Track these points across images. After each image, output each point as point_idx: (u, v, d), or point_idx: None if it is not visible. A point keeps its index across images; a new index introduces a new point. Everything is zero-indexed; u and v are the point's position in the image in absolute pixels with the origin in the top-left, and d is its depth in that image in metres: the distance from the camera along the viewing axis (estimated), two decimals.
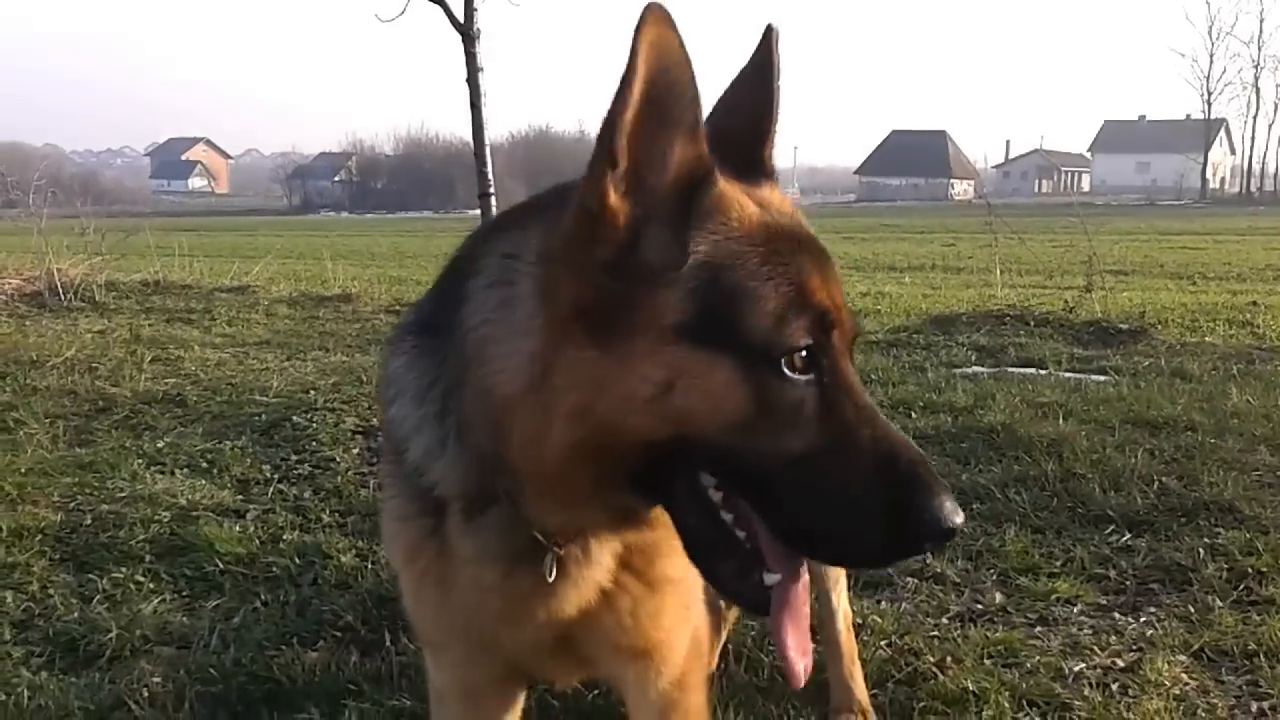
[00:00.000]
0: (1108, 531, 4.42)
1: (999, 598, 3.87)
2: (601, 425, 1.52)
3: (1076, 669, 3.30)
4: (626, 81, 1.46)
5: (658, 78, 1.47)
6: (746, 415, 1.50)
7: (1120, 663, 3.35)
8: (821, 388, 1.53)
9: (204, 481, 5.20)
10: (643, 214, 1.52)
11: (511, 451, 1.59)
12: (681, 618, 1.97)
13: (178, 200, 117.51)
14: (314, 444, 5.77)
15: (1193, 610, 3.70)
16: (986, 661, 3.34)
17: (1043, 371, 7.63)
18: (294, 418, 6.22)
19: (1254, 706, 3.08)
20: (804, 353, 1.52)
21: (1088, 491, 4.78)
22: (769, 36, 1.67)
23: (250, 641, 3.50)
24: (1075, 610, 3.76)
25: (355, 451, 5.68)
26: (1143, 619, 3.68)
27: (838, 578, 3.00)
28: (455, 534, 1.79)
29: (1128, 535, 4.38)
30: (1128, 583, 3.98)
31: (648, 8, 1.45)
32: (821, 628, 3.10)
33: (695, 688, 2.06)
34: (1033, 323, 9.85)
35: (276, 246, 24.74)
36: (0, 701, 3.11)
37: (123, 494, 4.96)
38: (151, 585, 4.01)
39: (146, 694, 3.13)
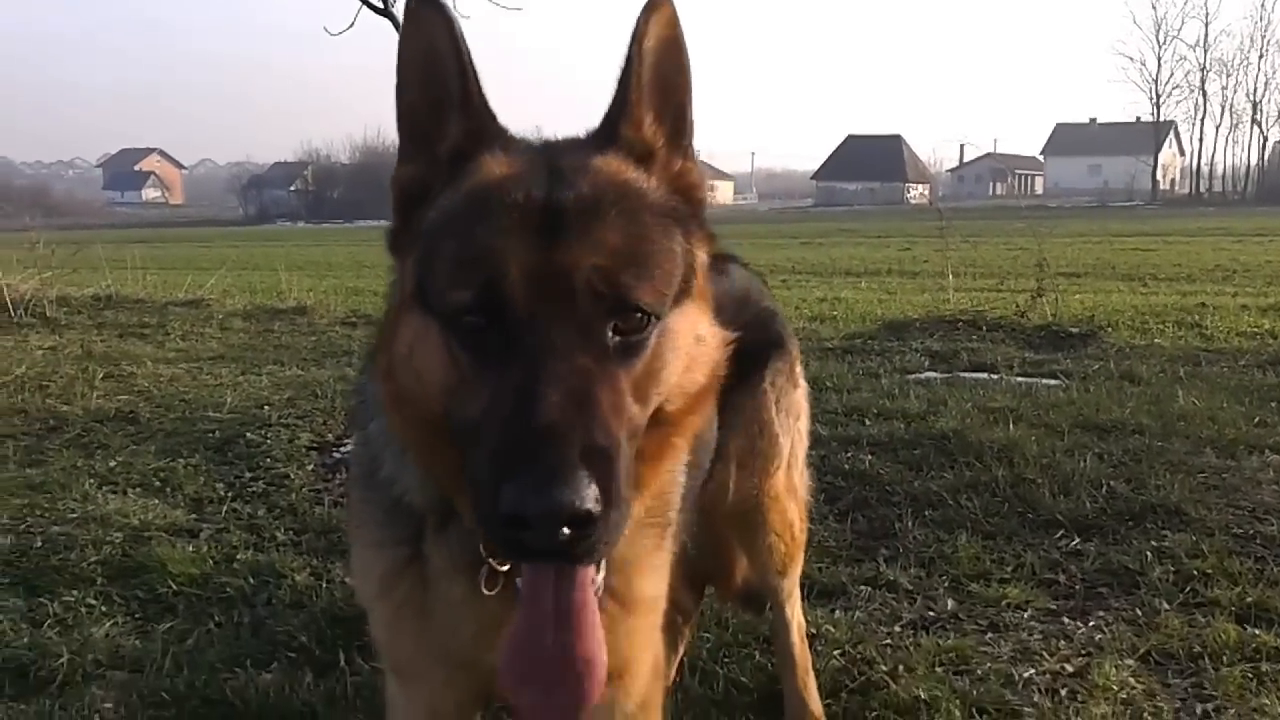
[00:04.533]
0: (1057, 536, 4.49)
1: (951, 604, 3.92)
2: (396, 386, 1.64)
3: (1026, 675, 3.35)
4: (396, 69, 1.65)
5: (419, 61, 1.65)
6: (450, 381, 1.52)
7: (1069, 668, 3.40)
8: (495, 353, 1.48)
9: (157, 501, 5.14)
10: (423, 188, 1.66)
11: None
12: (651, 639, 1.96)
13: (131, 212, 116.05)
14: (268, 461, 5.74)
15: (1140, 614, 3.77)
16: (938, 669, 3.38)
17: (994, 376, 7.72)
18: (248, 434, 6.18)
19: (1199, 709, 3.14)
20: (473, 316, 1.49)
21: (1038, 496, 4.85)
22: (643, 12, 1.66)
23: (203, 664, 3.47)
24: (1025, 616, 3.82)
25: (310, 468, 5.65)
26: (1091, 624, 3.74)
27: (790, 590, 3.03)
28: (431, 551, 1.80)
29: (1077, 540, 4.45)
30: (1077, 587, 4.05)
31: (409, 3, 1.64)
32: (775, 638, 3.14)
33: (655, 709, 2.06)
34: (985, 327, 9.96)
35: (231, 258, 24.59)
36: None
37: (74, 515, 4.90)
38: (103, 608, 3.96)
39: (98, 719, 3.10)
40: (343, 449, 5.83)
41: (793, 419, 2.84)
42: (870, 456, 5.53)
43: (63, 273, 14.15)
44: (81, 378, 8.25)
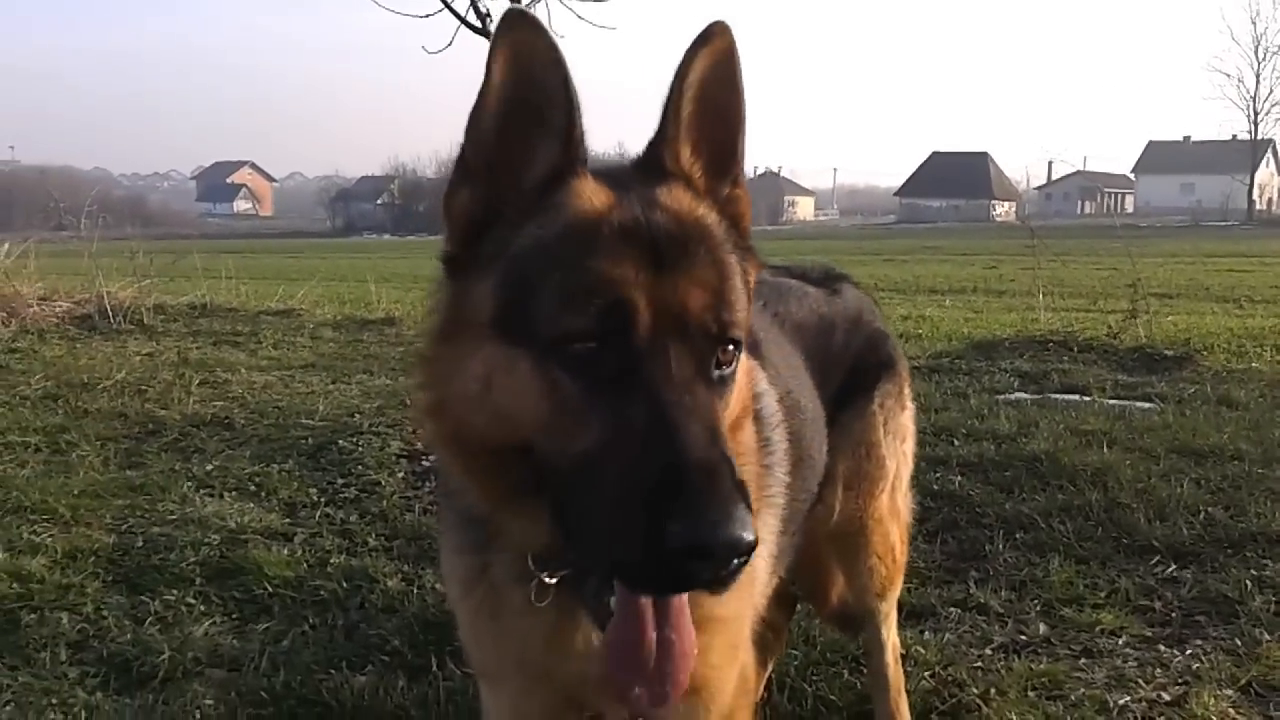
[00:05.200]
0: (1153, 562, 4.40)
1: (1043, 629, 3.86)
2: (454, 422, 1.62)
3: (1121, 702, 3.29)
4: (482, 92, 1.58)
5: (517, 85, 1.59)
6: (545, 413, 1.49)
7: (1166, 696, 3.33)
8: (611, 382, 1.46)
9: (252, 505, 5.28)
10: (493, 213, 1.63)
11: None
12: (730, 656, 1.97)
13: (223, 223, 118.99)
14: (360, 468, 5.85)
15: (1240, 643, 3.68)
16: (1030, 694, 3.34)
17: (1087, 398, 7.57)
18: (340, 441, 6.31)
19: None
20: (591, 344, 1.48)
21: (1133, 521, 4.75)
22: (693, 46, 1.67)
23: (299, 665, 3.55)
24: (1120, 642, 3.75)
25: (400, 475, 5.75)
26: (1189, 652, 3.66)
27: (888, 611, 3.01)
28: (495, 560, 1.83)
29: (1173, 566, 4.35)
30: (1173, 615, 3.96)
31: (506, 15, 1.59)
32: (869, 659, 3.13)
33: None
34: (1076, 348, 9.76)
35: (321, 269, 25.04)
36: None
37: (173, 517, 5.05)
38: (202, 608, 4.08)
39: (199, 716, 3.20)
40: (431, 458, 5.92)
41: (899, 441, 2.83)
42: (960, 477, 5.47)
43: (160, 281, 14.57)
44: (178, 383, 8.49)
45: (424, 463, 5.92)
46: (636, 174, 1.69)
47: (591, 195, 1.60)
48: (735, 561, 1.36)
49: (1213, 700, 3.24)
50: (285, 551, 4.59)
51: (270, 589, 4.21)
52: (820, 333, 2.62)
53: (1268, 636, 3.71)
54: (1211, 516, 4.80)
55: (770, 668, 3.28)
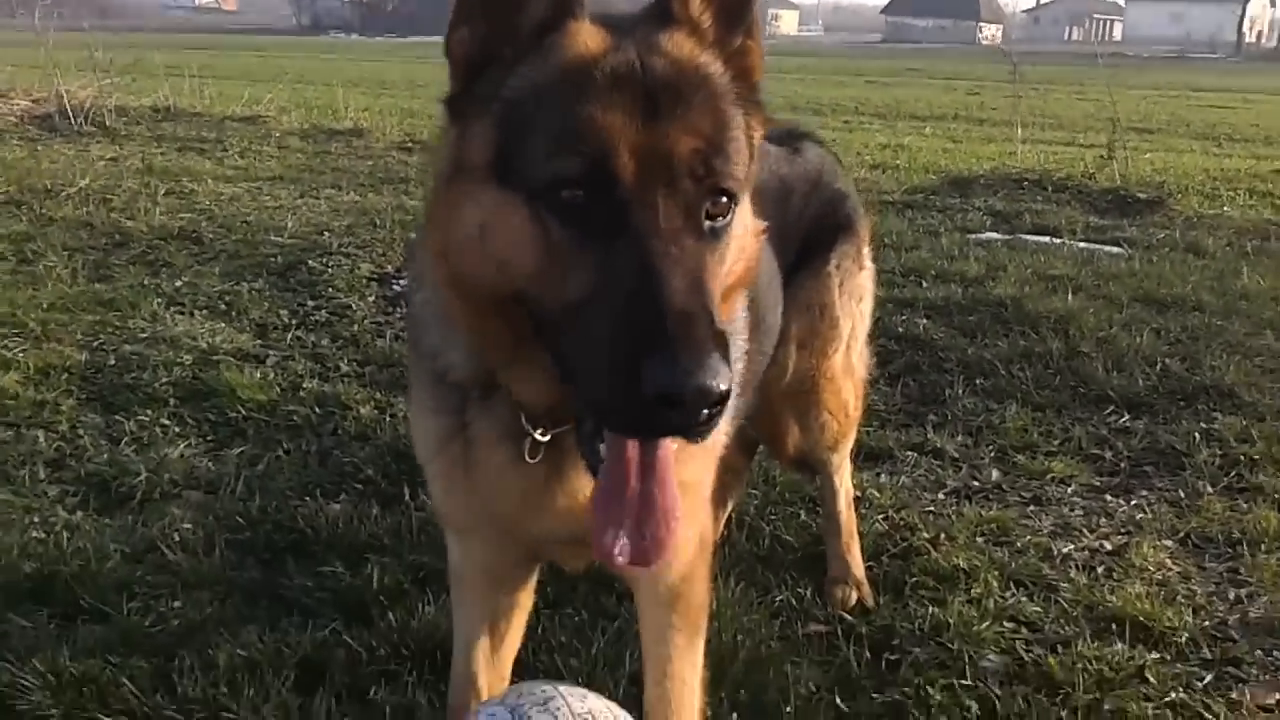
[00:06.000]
0: (1107, 412, 4.52)
1: (995, 475, 3.99)
2: (456, 267, 1.61)
3: (1065, 550, 3.43)
4: None
5: None
6: (536, 261, 1.49)
7: (1108, 545, 3.48)
8: (599, 231, 1.45)
9: (223, 324, 5.29)
10: (490, 54, 1.59)
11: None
12: (691, 518, 2.03)
13: (185, 17, 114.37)
14: (330, 290, 5.85)
15: (1183, 495, 3.83)
16: (979, 539, 3.47)
17: (1057, 241, 7.63)
18: (310, 261, 6.29)
19: (1232, 594, 3.21)
20: (579, 192, 1.46)
21: (1091, 371, 4.87)
22: None
23: (275, 490, 3.63)
24: (1069, 491, 3.89)
25: (371, 299, 5.76)
26: (1133, 502, 3.81)
27: (840, 462, 3.10)
28: (475, 419, 1.85)
29: (1126, 416, 4.48)
30: (1122, 465, 4.10)
31: None
32: (823, 504, 3.23)
33: (700, 580, 2.16)
34: (1051, 188, 9.76)
35: (287, 70, 24.33)
36: (41, 540, 3.24)
37: (144, 334, 5.07)
38: (177, 429, 4.13)
39: (178, 538, 3.27)
40: (402, 282, 5.92)
41: (855, 301, 2.86)
42: (925, 320, 5.54)
43: (121, 81, 14.13)
44: (144, 193, 8.39)
45: (395, 287, 5.93)
46: (642, 20, 1.65)
47: (587, 38, 1.56)
48: (706, 411, 1.37)
49: (1151, 551, 3.39)
50: (258, 374, 4.60)
51: (244, 412, 4.25)
52: (779, 196, 2.59)
53: (1210, 489, 3.86)
54: (1167, 368, 4.92)
55: (730, 508, 3.39)
